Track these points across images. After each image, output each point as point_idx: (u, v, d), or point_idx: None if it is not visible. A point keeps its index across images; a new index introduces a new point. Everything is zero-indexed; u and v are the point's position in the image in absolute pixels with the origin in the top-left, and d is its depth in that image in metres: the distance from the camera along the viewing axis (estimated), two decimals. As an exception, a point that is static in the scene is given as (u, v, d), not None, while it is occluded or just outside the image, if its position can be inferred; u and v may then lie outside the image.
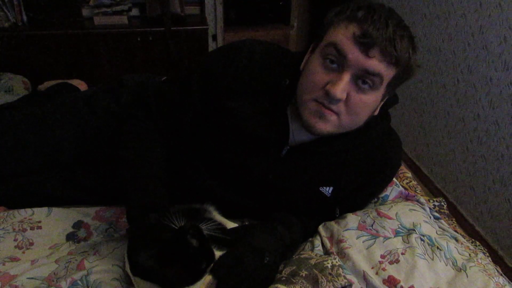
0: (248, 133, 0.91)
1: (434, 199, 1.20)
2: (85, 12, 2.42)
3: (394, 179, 1.16)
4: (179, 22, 2.41)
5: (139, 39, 2.34)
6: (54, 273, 0.86)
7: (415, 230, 0.93)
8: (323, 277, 0.79)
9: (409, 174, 1.30)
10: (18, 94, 1.72)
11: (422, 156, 2.40)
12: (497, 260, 1.81)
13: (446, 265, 0.87)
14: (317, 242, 0.95)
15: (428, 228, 0.96)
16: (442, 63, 2.14)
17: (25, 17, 2.28)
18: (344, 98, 0.78)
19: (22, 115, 1.21)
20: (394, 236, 0.92)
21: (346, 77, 0.76)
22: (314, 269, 0.81)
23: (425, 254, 0.88)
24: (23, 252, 0.95)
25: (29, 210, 1.03)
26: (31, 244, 0.97)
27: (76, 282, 0.83)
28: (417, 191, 1.21)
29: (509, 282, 0.89)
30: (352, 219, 0.97)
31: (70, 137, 1.16)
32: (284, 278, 0.80)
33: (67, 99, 1.26)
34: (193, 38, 2.42)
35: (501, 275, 0.91)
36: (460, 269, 0.87)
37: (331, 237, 0.95)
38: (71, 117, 1.18)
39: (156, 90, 1.02)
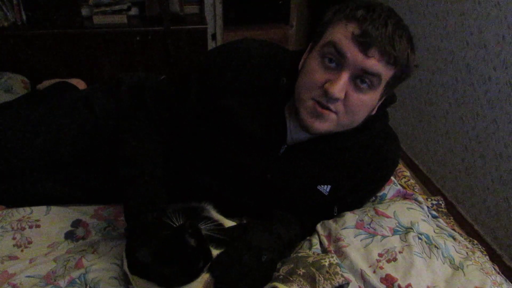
0: (246, 132, 0.91)
1: (432, 198, 1.21)
2: (84, 11, 2.42)
3: (392, 177, 1.16)
4: (178, 21, 2.41)
5: (138, 38, 2.34)
6: (53, 272, 0.86)
7: (412, 229, 0.93)
8: (320, 275, 0.79)
9: (407, 173, 1.30)
10: (18, 93, 1.73)
11: (421, 155, 2.40)
12: (495, 259, 1.81)
13: (444, 264, 0.87)
14: (315, 240, 0.95)
15: (426, 226, 0.96)
16: (440, 62, 2.14)
17: (24, 17, 2.28)
18: (342, 97, 0.78)
19: (20, 114, 1.21)
20: (392, 235, 0.92)
21: (345, 76, 0.76)
22: (311, 268, 0.81)
23: (422, 253, 0.88)
24: (22, 251, 0.95)
25: (27, 209, 1.03)
26: (30, 242, 0.98)
27: (75, 280, 0.83)
28: (415, 190, 1.21)
29: (506, 281, 0.89)
30: (350, 217, 0.97)
31: (69, 136, 1.16)
32: (281, 277, 0.80)
33: (66, 98, 1.26)
34: (193, 38, 2.42)
35: (498, 273, 0.91)
36: (458, 267, 0.87)
37: (329, 236, 0.95)
38: (70, 116, 1.19)
39: (154, 89, 1.02)
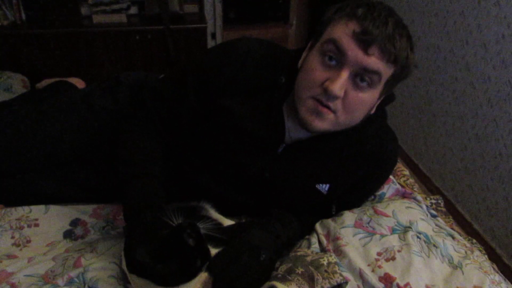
0: (244, 130, 0.91)
1: (431, 197, 1.21)
2: (84, 10, 2.41)
3: (391, 176, 1.16)
4: (178, 20, 2.41)
5: (137, 37, 2.34)
6: (51, 271, 0.86)
7: (411, 228, 0.93)
8: (319, 274, 0.79)
9: (407, 172, 1.30)
10: (17, 92, 1.72)
11: (420, 154, 2.40)
12: (495, 258, 1.81)
13: (442, 263, 0.87)
14: (314, 239, 0.95)
15: (425, 225, 0.96)
16: (440, 61, 2.14)
17: (24, 16, 2.28)
18: (342, 95, 0.78)
19: (20, 113, 1.21)
20: (391, 234, 0.92)
21: (345, 74, 0.76)
22: (310, 267, 0.81)
23: (421, 252, 0.88)
24: (21, 250, 0.96)
25: (26, 208, 1.04)
26: (28, 241, 0.98)
27: (73, 279, 0.83)
28: (414, 189, 1.21)
29: (505, 280, 0.89)
30: (348, 216, 0.97)
31: (68, 135, 1.16)
32: (280, 276, 0.80)
33: (65, 97, 1.26)
34: (192, 37, 2.42)
35: (497, 272, 0.91)
36: (456, 266, 0.87)
37: (327, 235, 0.95)
38: (69, 115, 1.18)
39: (153, 88, 1.02)
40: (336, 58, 0.77)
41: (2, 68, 2.00)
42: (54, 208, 1.05)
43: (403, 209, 1.00)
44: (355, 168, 0.95)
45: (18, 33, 2.22)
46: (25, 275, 0.85)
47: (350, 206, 1.02)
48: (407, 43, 0.77)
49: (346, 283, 0.81)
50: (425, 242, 0.91)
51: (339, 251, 0.90)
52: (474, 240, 1.08)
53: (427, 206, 1.08)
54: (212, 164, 0.98)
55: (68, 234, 1.01)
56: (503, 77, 1.72)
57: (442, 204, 1.20)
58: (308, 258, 0.84)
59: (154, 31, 2.35)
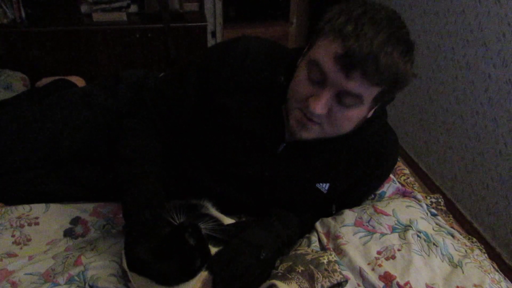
0: (244, 130, 0.91)
1: (431, 196, 1.21)
2: (84, 8, 2.42)
3: (391, 175, 1.16)
4: (178, 18, 2.40)
5: (137, 35, 2.34)
6: (52, 269, 0.86)
7: (411, 227, 0.93)
8: (319, 272, 0.79)
9: (407, 171, 1.30)
10: (17, 91, 1.72)
11: (421, 153, 2.40)
12: (494, 257, 1.82)
13: (442, 261, 0.87)
14: (314, 238, 0.95)
15: (425, 224, 0.96)
16: (441, 59, 2.13)
17: (23, 14, 2.28)
18: (324, 112, 0.78)
19: (19, 111, 1.21)
20: (391, 233, 0.92)
21: (327, 94, 0.76)
22: (310, 265, 0.81)
23: (421, 250, 0.88)
24: (21, 248, 0.95)
25: (26, 206, 1.03)
26: (29, 240, 0.98)
27: (73, 277, 0.83)
28: (415, 188, 1.21)
29: (505, 278, 0.89)
30: (349, 215, 0.98)
31: (67, 133, 1.16)
32: (280, 274, 0.80)
33: (65, 95, 1.26)
34: (192, 35, 2.42)
35: (497, 271, 0.91)
36: (456, 265, 0.87)
37: (327, 233, 0.95)
38: (69, 113, 1.18)
39: (153, 87, 1.02)
40: (318, 79, 0.76)
41: (2, 66, 2.00)
42: (54, 207, 1.05)
43: (403, 208, 1.00)
44: (355, 167, 0.95)
45: (18, 31, 2.22)
46: (25, 274, 0.85)
47: (350, 205, 1.02)
48: (399, 57, 0.72)
49: (346, 281, 0.82)
50: (425, 241, 0.91)
51: (339, 250, 0.90)
52: (474, 239, 1.08)
53: (427, 205, 1.08)
54: (212, 163, 0.97)
55: (68, 233, 1.01)
56: (503, 76, 1.71)
57: (442, 203, 1.20)
58: (308, 257, 0.84)
59: (154, 30, 2.34)
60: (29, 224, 1.00)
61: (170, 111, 0.97)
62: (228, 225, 0.91)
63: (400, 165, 1.31)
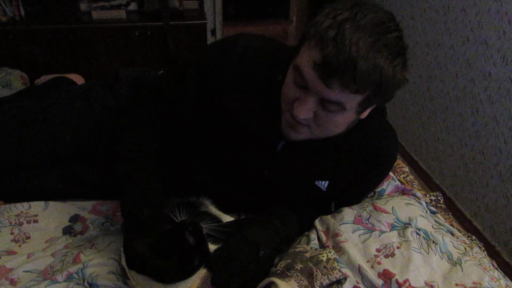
0: (243, 128, 0.91)
1: (431, 194, 1.21)
2: (83, 6, 2.41)
3: (391, 173, 1.16)
4: (178, 16, 2.40)
5: (137, 33, 2.33)
6: (50, 267, 0.86)
7: (411, 224, 0.93)
8: (318, 270, 0.79)
9: (406, 169, 1.30)
10: (16, 88, 1.72)
11: (420, 151, 2.40)
12: (494, 254, 1.82)
13: (442, 259, 0.87)
14: (313, 235, 0.95)
15: (424, 222, 0.96)
16: (441, 57, 2.13)
17: (23, 12, 2.27)
18: (309, 117, 0.78)
19: (19, 109, 1.21)
20: (390, 230, 0.92)
21: (311, 100, 0.76)
22: (309, 263, 0.81)
23: (420, 248, 0.88)
24: (20, 246, 0.95)
25: (25, 204, 1.03)
26: (28, 237, 0.97)
27: (72, 275, 0.83)
28: (414, 186, 1.21)
29: (504, 276, 0.89)
30: (348, 213, 0.97)
31: (67, 131, 1.16)
32: (279, 272, 0.80)
33: (64, 93, 1.26)
34: (192, 33, 2.41)
35: (496, 269, 0.91)
36: (455, 263, 0.87)
37: (327, 231, 0.95)
38: (68, 111, 1.18)
39: (152, 85, 1.01)
40: (302, 84, 0.76)
41: (1, 64, 2.00)
42: (53, 204, 1.05)
43: (403, 205, 1.00)
44: (354, 165, 0.94)
45: (17, 29, 2.21)
46: (24, 271, 0.85)
47: (349, 203, 1.02)
48: (385, 62, 0.69)
49: (345, 279, 0.82)
50: (424, 238, 0.91)
51: (338, 247, 0.89)
52: (474, 237, 1.08)
53: (426, 202, 1.08)
54: (211, 161, 0.97)
55: (67, 230, 1.01)
56: (503, 74, 1.71)
57: (441, 201, 1.20)
58: (307, 254, 0.84)
59: (153, 27, 2.34)
60: (28, 222, 1.00)
61: (169, 109, 0.97)
62: (227, 222, 0.91)
63: (400, 163, 1.31)
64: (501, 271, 0.91)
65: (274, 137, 0.91)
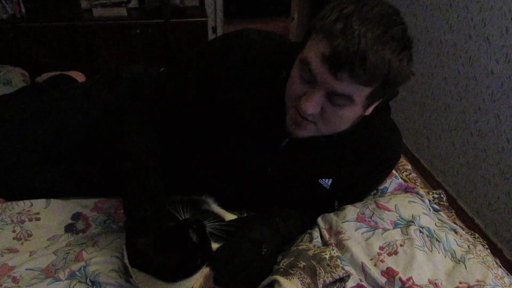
0: (247, 125, 0.90)
1: (434, 191, 1.20)
2: (84, 4, 2.41)
3: (394, 171, 1.15)
4: (179, 14, 2.39)
5: (138, 31, 2.33)
6: (53, 264, 0.86)
7: (414, 222, 0.93)
8: (321, 268, 0.79)
9: (409, 166, 1.29)
10: (17, 86, 1.72)
11: (422, 149, 2.40)
12: (496, 253, 1.81)
13: (445, 257, 0.87)
14: (316, 233, 0.95)
15: (427, 220, 0.95)
16: (443, 55, 2.12)
17: (23, 9, 2.27)
18: (316, 111, 0.77)
19: (20, 106, 1.21)
20: (393, 228, 0.92)
21: (318, 94, 0.75)
22: (312, 260, 0.80)
23: (423, 246, 0.88)
24: (22, 244, 0.95)
25: (27, 202, 1.03)
26: (30, 235, 0.97)
27: (75, 273, 0.83)
28: (417, 184, 1.20)
29: (507, 274, 0.89)
30: (351, 210, 0.97)
31: (68, 129, 1.15)
32: (282, 270, 0.80)
33: (65, 90, 1.26)
34: (193, 30, 2.41)
35: (500, 267, 0.91)
36: (459, 260, 0.86)
37: (329, 229, 0.95)
38: (69, 108, 1.18)
39: (154, 82, 1.01)
40: (309, 79, 0.75)
41: (2, 62, 1.99)
42: (55, 202, 1.05)
43: (406, 203, 0.99)
44: (358, 162, 0.94)
45: (17, 26, 2.21)
46: (26, 269, 0.85)
47: (352, 201, 1.01)
48: (392, 55, 0.70)
49: (348, 277, 0.81)
50: (427, 236, 0.90)
51: (341, 245, 0.89)
52: (477, 235, 1.08)
53: (429, 200, 1.08)
54: (213, 159, 0.97)
55: (69, 228, 1.01)
56: (506, 72, 1.70)
57: (444, 199, 1.19)
58: (310, 252, 0.84)
59: (154, 25, 2.34)
60: (30, 220, 1.00)
61: (171, 106, 0.96)
62: (230, 221, 0.91)
63: (402, 160, 1.31)
64: (504, 269, 0.91)
65: (277, 134, 0.91)
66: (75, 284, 0.81)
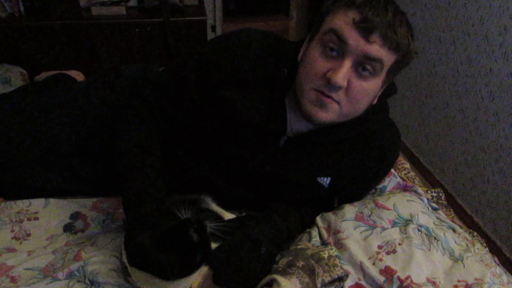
0: (246, 123, 0.90)
1: (432, 190, 1.20)
2: (83, 2, 2.40)
3: (392, 170, 1.15)
4: (178, 12, 2.39)
5: (137, 30, 2.32)
6: (51, 264, 0.86)
7: (412, 221, 0.93)
8: (319, 267, 0.79)
9: (407, 165, 1.29)
10: (16, 85, 1.71)
11: (422, 148, 2.40)
12: (495, 251, 1.82)
13: (443, 256, 0.87)
14: (314, 232, 0.95)
15: (426, 218, 0.96)
16: (442, 53, 2.12)
17: (22, 8, 2.26)
18: (345, 85, 0.77)
19: (18, 106, 1.20)
20: (392, 227, 0.92)
21: (347, 64, 0.75)
22: (310, 260, 0.81)
23: (422, 245, 0.88)
24: (20, 243, 0.95)
25: (26, 201, 1.03)
26: (28, 235, 0.97)
27: (73, 273, 0.83)
28: (415, 182, 1.20)
29: (506, 272, 0.89)
30: (349, 209, 0.97)
31: (67, 128, 1.15)
32: (280, 269, 0.80)
33: (64, 89, 1.25)
34: (192, 29, 2.40)
35: (498, 265, 0.91)
36: (457, 259, 0.87)
37: (328, 228, 0.95)
38: (68, 107, 1.18)
39: (153, 80, 1.01)
40: (337, 49, 0.76)
41: (1, 61, 1.99)
42: (54, 202, 1.05)
43: (404, 202, 0.99)
44: (356, 161, 0.94)
45: (16, 25, 2.20)
46: (25, 269, 0.85)
47: (351, 199, 1.02)
48: (407, 29, 0.77)
49: (347, 276, 0.81)
50: (426, 235, 0.91)
51: (339, 244, 0.89)
52: (475, 233, 1.08)
53: (428, 199, 1.08)
54: (212, 157, 0.97)
55: (68, 228, 1.01)
56: (505, 70, 1.70)
57: (443, 197, 1.19)
58: (309, 251, 0.84)
59: (153, 24, 2.33)
60: (29, 219, 1.00)
61: (170, 104, 0.96)
62: (229, 220, 0.91)
63: (401, 159, 1.31)
64: (503, 267, 0.91)
65: (277, 132, 0.91)
66: (73, 284, 0.81)
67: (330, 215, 0.97)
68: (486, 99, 1.82)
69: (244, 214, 1.03)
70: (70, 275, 0.82)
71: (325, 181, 0.95)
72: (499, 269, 0.87)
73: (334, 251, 0.84)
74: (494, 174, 1.83)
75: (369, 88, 0.79)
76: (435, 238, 0.90)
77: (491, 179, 1.85)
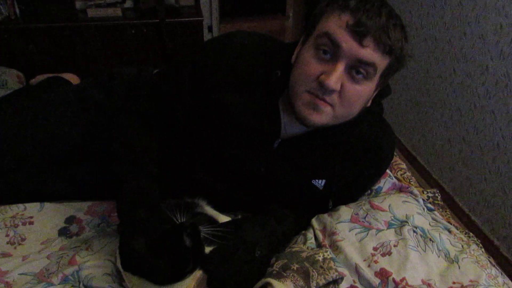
0: (240, 125, 0.90)
1: (428, 190, 1.20)
2: (79, 4, 2.39)
3: (388, 171, 1.15)
4: (174, 13, 2.38)
5: (133, 31, 2.32)
6: (46, 269, 0.86)
7: (408, 222, 0.93)
8: (314, 270, 0.79)
9: (403, 166, 1.29)
10: (12, 88, 1.70)
11: (418, 147, 2.40)
12: (492, 249, 1.82)
13: (439, 257, 0.87)
14: (310, 235, 0.95)
15: (421, 220, 0.95)
16: (438, 52, 2.12)
17: (17, 10, 2.25)
18: (338, 88, 0.77)
19: (13, 109, 1.20)
20: (387, 228, 0.92)
21: (340, 68, 0.75)
22: (305, 263, 0.80)
23: (417, 246, 0.88)
24: (15, 248, 0.95)
25: (21, 206, 1.03)
26: (23, 239, 0.97)
27: (68, 277, 0.83)
28: (411, 183, 1.20)
29: (501, 273, 0.89)
30: (345, 211, 0.97)
31: (62, 132, 1.15)
32: (275, 272, 0.80)
33: (59, 93, 1.25)
34: (188, 30, 2.40)
35: (494, 266, 0.91)
36: (453, 260, 0.86)
37: (323, 230, 0.95)
38: (63, 111, 1.17)
39: (147, 84, 1.01)
40: (330, 52, 0.76)
41: (-3, 63, 1.99)
42: (49, 206, 1.04)
43: (400, 203, 0.99)
44: (351, 163, 0.94)
45: (12, 28, 2.19)
46: (19, 274, 0.85)
47: (347, 201, 1.01)
48: (401, 33, 0.77)
49: (342, 278, 0.81)
50: (421, 236, 0.91)
51: (335, 246, 0.89)
52: (471, 234, 1.08)
53: (423, 200, 1.08)
54: (207, 160, 0.97)
55: (63, 232, 1.00)
56: (501, 69, 1.70)
57: (439, 198, 1.19)
58: (304, 254, 0.83)
59: (149, 25, 2.32)
60: (24, 224, 1.00)
61: (165, 107, 0.96)
62: (222, 223, 0.91)
63: (397, 160, 1.31)
64: (498, 268, 0.91)
65: (271, 135, 0.91)
66: (68, 289, 0.80)
67: (325, 217, 0.97)
68: (483, 97, 1.82)
69: (239, 216, 1.03)
70: (64, 280, 0.82)
71: (320, 183, 0.94)
72: (494, 271, 0.87)
73: (329, 254, 0.84)
74: (491, 172, 1.82)
75: (362, 92, 0.79)
76: (430, 240, 0.90)
77: (488, 178, 1.85)
